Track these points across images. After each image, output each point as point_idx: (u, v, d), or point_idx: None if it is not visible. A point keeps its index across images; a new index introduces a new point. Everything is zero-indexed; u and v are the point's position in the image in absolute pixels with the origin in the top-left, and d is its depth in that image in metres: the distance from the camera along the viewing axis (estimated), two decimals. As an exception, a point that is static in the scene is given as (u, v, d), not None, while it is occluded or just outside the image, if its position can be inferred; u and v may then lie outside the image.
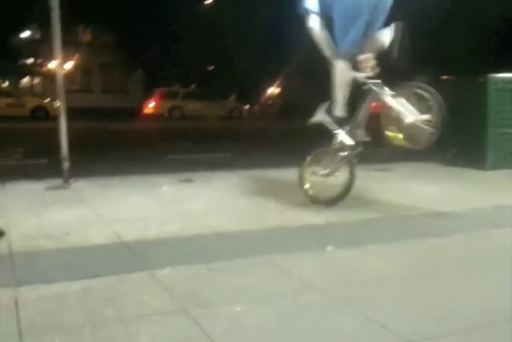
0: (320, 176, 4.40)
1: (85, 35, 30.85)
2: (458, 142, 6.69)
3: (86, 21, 27.32)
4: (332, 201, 4.26)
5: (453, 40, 19.57)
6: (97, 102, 24.92)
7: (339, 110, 4.21)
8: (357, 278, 2.69)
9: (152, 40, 26.04)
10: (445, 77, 6.93)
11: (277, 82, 32.44)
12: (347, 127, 4.21)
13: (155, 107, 23.17)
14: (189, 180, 5.55)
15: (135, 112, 22.81)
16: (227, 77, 29.43)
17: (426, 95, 3.73)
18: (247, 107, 26.02)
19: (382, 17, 4.01)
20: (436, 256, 3.06)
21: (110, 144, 10.50)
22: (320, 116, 4.33)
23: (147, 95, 23.94)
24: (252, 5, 24.05)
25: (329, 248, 3.15)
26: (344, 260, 2.97)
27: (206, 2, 28.56)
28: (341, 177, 4.26)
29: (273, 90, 33.55)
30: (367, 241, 3.28)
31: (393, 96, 3.88)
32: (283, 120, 22.78)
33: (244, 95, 27.98)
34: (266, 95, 33.46)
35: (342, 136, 4.21)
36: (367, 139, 4.15)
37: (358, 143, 4.17)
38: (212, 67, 32.33)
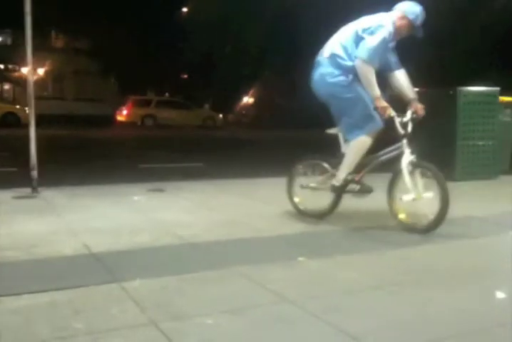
0: (310, 188, 4.30)
1: (59, 41, 30.53)
2: (429, 153, 6.78)
3: (60, 26, 27.07)
4: (323, 214, 4.20)
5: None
6: (69, 110, 24.59)
7: (342, 174, 4.02)
8: (329, 289, 2.69)
9: (127, 47, 25.91)
10: (416, 89, 7.05)
11: (252, 91, 32.59)
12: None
13: (127, 115, 22.99)
14: (160, 190, 5.51)
15: (108, 120, 22.61)
16: (202, 85, 29.47)
17: (429, 174, 3.69)
18: (221, 116, 26.05)
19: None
20: (406, 266, 3.09)
21: (82, 153, 10.37)
22: (337, 131, 4.14)
23: (120, 102, 23.75)
24: (228, 11, 24.20)
25: (300, 258, 3.15)
26: (315, 270, 2.98)
27: (182, 9, 28.63)
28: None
29: (248, 99, 33.69)
30: (337, 252, 3.30)
31: (411, 165, 3.75)
32: (257, 129, 22.89)
33: (218, 104, 28.04)
34: (241, 104, 33.58)
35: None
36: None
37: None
38: (186, 75, 32.34)
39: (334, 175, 4.11)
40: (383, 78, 4.01)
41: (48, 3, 15.78)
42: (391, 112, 3.78)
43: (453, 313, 2.40)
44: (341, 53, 3.91)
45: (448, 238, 3.67)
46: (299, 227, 3.96)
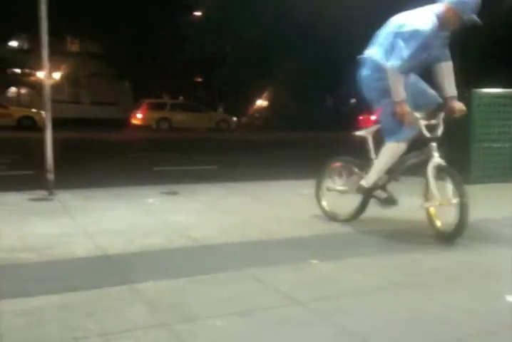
0: (337, 191, 4.24)
1: (74, 46, 30.86)
2: (443, 156, 6.74)
3: (75, 31, 27.35)
4: (350, 219, 4.14)
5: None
6: (85, 113, 24.86)
7: (372, 176, 3.94)
8: (339, 291, 2.68)
9: (141, 51, 26.11)
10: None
11: (266, 94, 32.67)
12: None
13: (142, 118, 23.14)
14: (174, 192, 5.54)
15: (123, 123, 22.79)
16: (216, 88, 29.59)
17: (450, 180, 3.57)
18: (235, 119, 26.13)
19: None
20: (418, 269, 3.07)
21: (97, 156, 10.46)
22: (365, 134, 4.06)
23: (135, 106, 23.93)
24: (244, 16, 24.29)
25: (311, 261, 3.15)
26: (326, 273, 2.97)
27: (195, 13, 28.80)
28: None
29: (261, 101, 33.77)
30: (349, 254, 3.29)
31: (436, 169, 3.64)
32: (271, 132, 22.92)
33: (232, 107, 28.13)
34: (254, 106, 33.66)
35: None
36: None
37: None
38: (200, 78, 32.49)
39: (362, 178, 4.03)
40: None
41: (63, 7, 15.98)
42: (413, 118, 3.66)
43: (462, 315, 2.38)
44: (379, 54, 3.78)
45: (463, 241, 3.64)
46: (311, 229, 3.96)
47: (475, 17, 3.56)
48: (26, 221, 4.10)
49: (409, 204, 3.98)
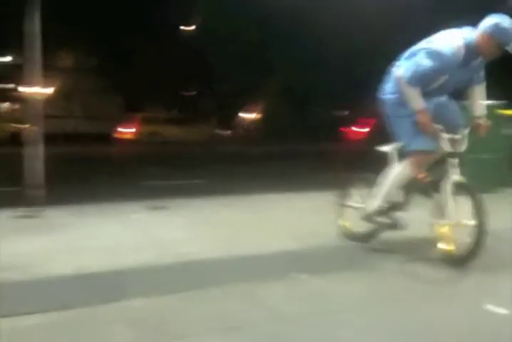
0: (352, 208, 4.04)
1: (67, 61, 30.88)
2: (431, 166, 6.78)
3: (68, 46, 27.41)
4: (367, 238, 3.91)
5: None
6: (76, 128, 24.78)
7: (376, 201, 3.73)
8: (328, 306, 2.67)
9: (134, 65, 26.17)
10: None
11: (260, 106, 32.76)
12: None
13: (134, 132, 23.13)
14: (162, 207, 5.50)
15: (114, 137, 22.76)
16: (209, 102, 29.67)
17: (470, 200, 3.34)
18: (227, 131, 26.15)
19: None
20: (409, 282, 3.07)
21: (85, 171, 10.41)
22: (389, 149, 3.81)
23: (127, 120, 23.92)
24: (236, 27, 24.46)
25: (300, 275, 3.14)
26: (314, 287, 2.96)
27: (186, 28, 28.96)
28: None
29: (254, 114, 33.84)
30: (338, 268, 3.28)
31: (456, 186, 3.43)
32: (263, 144, 22.94)
33: (225, 120, 28.19)
34: (247, 119, 33.72)
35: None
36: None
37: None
38: (193, 92, 32.57)
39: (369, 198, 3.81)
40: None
41: (55, 22, 16.01)
42: (434, 129, 3.47)
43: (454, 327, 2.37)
44: (401, 68, 3.63)
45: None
46: (301, 243, 3.94)
47: None
48: (11, 239, 4.04)
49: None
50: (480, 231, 3.24)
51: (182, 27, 28.31)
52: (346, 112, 31.63)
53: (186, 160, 14.28)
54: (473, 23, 3.54)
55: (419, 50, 3.59)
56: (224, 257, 3.58)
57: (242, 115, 32.80)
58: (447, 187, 3.44)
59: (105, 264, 3.37)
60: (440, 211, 3.48)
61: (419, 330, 2.39)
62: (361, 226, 3.92)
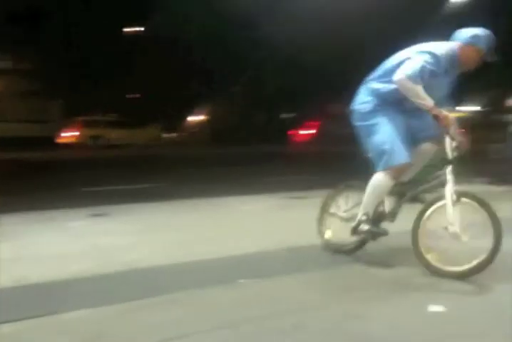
0: (339, 218, 3.78)
1: (3, 62, 29.72)
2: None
3: (4, 46, 26.41)
4: (351, 250, 3.67)
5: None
6: (13, 131, 23.84)
7: (359, 214, 3.52)
8: (269, 310, 2.67)
9: (75, 68, 25.49)
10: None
11: (206, 107, 32.60)
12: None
13: (76, 136, 22.54)
14: (106, 214, 5.38)
15: (55, 141, 22.11)
16: (153, 104, 29.26)
17: (473, 204, 3.12)
18: (173, 134, 25.89)
19: None
20: (346, 284, 3.11)
21: (25, 177, 10.06)
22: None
23: (68, 123, 23.27)
24: (180, 31, 24.26)
25: (241, 281, 3.13)
26: (256, 292, 2.96)
27: (130, 29, 28.52)
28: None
29: (201, 116, 33.65)
30: (279, 272, 3.29)
31: (456, 194, 3.16)
32: (210, 146, 22.88)
33: (170, 122, 27.89)
34: (194, 121, 33.50)
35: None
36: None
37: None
38: (137, 94, 32.06)
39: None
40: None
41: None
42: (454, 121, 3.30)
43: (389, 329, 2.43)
44: (378, 75, 3.53)
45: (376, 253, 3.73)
46: (243, 248, 3.88)
47: (491, 54, 3.39)
48: None
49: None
50: (496, 243, 2.98)
51: (125, 29, 27.89)
52: (293, 115, 32.02)
53: (131, 164, 14.03)
54: (442, 37, 3.56)
55: (404, 59, 3.43)
56: (168, 264, 3.52)
57: (189, 117, 32.62)
58: (447, 194, 3.19)
59: (44, 275, 3.25)
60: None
61: (361, 331, 2.43)
62: (346, 238, 3.65)
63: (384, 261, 3.54)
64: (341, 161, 8.30)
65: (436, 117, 3.27)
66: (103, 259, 3.63)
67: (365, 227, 3.50)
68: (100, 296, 2.89)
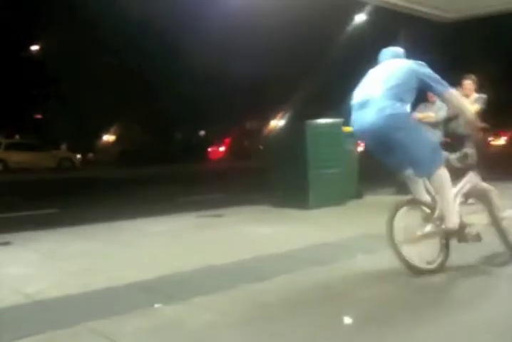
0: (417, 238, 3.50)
1: None
2: (285, 183, 7.11)
3: None
4: (440, 267, 3.52)
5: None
6: None
7: (452, 216, 3.46)
8: (185, 335, 2.61)
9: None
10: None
11: (114, 128, 31.84)
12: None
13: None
14: (6, 242, 5.04)
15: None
16: (57, 124, 28.14)
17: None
18: (79, 156, 24.97)
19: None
20: (265, 299, 3.12)
21: None
22: (409, 173, 3.64)
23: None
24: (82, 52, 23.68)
25: (156, 305, 3.04)
26: (171, 317, 2.88)
27: (34, 48, 27.56)
28: None
29: (109, 136, 32.80)
30: (194, 294, 3.22)
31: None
32: (121, 167, 22.27)
33: (77, 144, 26.89)
34: (102, 142, 32.55)
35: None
36: None
37: None
38: (39, 115, 30.77)
39: (438, 219, 3.52)
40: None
41: None
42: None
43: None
44: (398, 85, 3.51)
45: (303, 266, 3.79)
46: (155, 271, 3.78)
47: None
48: None
49: (237, 233, 4.00)
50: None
51: (32, 47, 26.90)
52: (203, 133, 32.09)
53: (35, 188, 13.34)
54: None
55: (415, 69, 3.59)
56: (74, 293, 3.33)
57: (97, 139, 31.71)
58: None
59: None
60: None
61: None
62: (427, 257, 3.51)
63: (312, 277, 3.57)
64: (250, 177, 8.38)
65: (470, 124, 3.65)
66: (6, 291, 3.40)
67: (473, 231, 3.55)
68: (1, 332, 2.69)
